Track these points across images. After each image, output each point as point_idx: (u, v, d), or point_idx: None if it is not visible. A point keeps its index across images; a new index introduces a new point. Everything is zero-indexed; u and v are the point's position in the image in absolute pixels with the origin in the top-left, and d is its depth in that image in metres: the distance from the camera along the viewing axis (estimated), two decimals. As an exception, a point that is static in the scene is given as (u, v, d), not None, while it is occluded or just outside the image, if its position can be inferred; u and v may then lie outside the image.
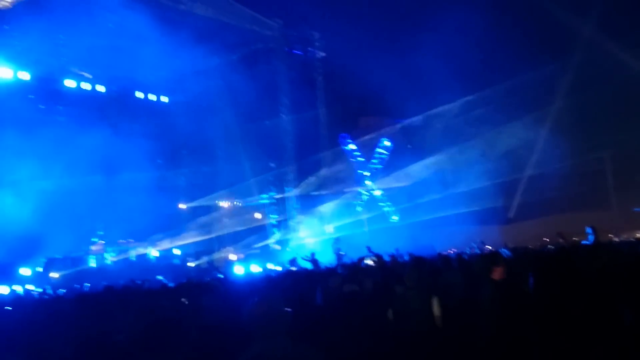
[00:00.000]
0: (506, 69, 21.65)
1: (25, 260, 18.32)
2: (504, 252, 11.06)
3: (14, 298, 12.01)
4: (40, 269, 18.89)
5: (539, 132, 22.92)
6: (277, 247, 25.27)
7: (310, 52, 24.91)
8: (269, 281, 8.83)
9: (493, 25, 20.63)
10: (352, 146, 27.62)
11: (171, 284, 10.99)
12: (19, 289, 14.39)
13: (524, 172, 23.61)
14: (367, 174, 27.71)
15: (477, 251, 14.94)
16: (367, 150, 27.85)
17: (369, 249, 11.98)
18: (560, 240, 11.88)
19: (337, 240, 18.83)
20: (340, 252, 12.89)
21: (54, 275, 18.72)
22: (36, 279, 17.59)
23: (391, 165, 26.93)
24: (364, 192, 27.47)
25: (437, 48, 20.44)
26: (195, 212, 24.66)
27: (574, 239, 12.28)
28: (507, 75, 22.00)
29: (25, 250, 19.03)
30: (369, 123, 27.95)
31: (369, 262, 10.44)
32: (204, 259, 21.60)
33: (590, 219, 12.54)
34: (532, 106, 22.73)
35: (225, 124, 22.08)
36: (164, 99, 23.40)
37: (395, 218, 26.68)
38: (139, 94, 22.57)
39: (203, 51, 19.13)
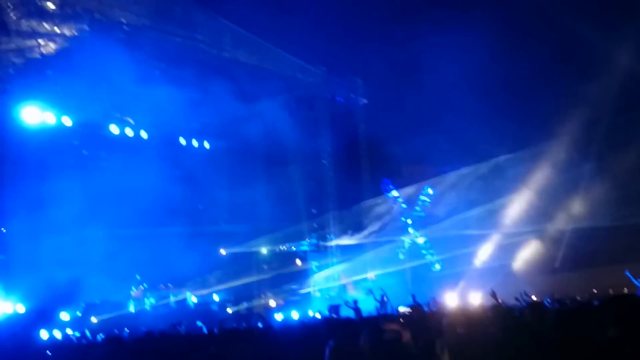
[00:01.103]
0: (555, 122, 21.25)
1: (64, 305, 18.38)
2: (548, 302, 10.57)
3: (53, 343, 12.01)
4: (79, 314, 18.91)
5: (587, 183, 22.31)
6: (318, 294, 24.90)
7: (352, 99, 24.99)
8: (308, 329, 8.58)
9: (541, 75, 20.39)
10: (394, 193, 27.31)
11: (209, 330, 10.82)
12: (58, 333, 14.39)
13: (571, 223, 22.91)
14: (409, 221, 27.29)
15: (522, 302, 14.34)
16: (410, 197, 27.48)
17: (413, 297, 11.62)
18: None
19: (370, 290, 18.38)
20: (384, 300, 12.55)
21: (93, 320, 18.72)
22: (75, 323, 17.59)
23: (434, 213, 26.50)
24: (406, 239, 27.00)
25: (483, 98, 20.26)
26: (235, 258, 24.53)
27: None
28: (555, 128, 21.58)
29: (65, 295, 19.12)
30: (412, 171, 27.66)
31: (407, 310, 10.11)
32: (244, 305, 21.37)
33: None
34: (580, 158, 22.17)
35: (266, 170, 22.09)
36: (206, 145, 23.61)
37: (437, 267, 26.10)
38: (182, 140, 22.80)
39: (246, 98, 19.29)
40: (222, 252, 24.98)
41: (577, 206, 22.62)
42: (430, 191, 27.35)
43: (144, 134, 21.48)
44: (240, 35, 19.51)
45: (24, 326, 15.14)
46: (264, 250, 25.39)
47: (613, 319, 4.95)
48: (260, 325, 10.45)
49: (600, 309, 6.61)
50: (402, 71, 21.17)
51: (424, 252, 26.85)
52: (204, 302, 21.96)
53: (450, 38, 19.27)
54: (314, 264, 25.86)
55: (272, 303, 22.31)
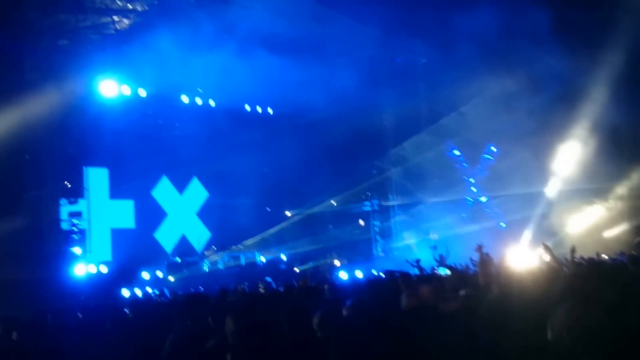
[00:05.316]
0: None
1: (146, 265, 19.59)
2: (621, 259, 10.51)
3: (134, 300, 12.90)
4: (159, 273, 20.10)
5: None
6: (381, 253, 25.37)
7: (411, 59, 24.81)
8: (373, 287, 8.90)
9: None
10: (456, 152, 27.16)
11: (279, 288, 11.44)
12: (139, 292, 15.43)
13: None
14: (472, 180, 27.13)
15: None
16: (473, 156, 27.21)
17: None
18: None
19: (435, 247, 18.69)
20: (443, 256, 12.70)
21: (171, 279, 19.87)
22: (155, 282, 18.73)
23: (498, 171, 26.16)
24: (469, 198, 26.92)
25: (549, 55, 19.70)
26: (301, 219, 25.26)
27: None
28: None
29: (147, 256, 20.40)
30: (473, 130, 27.27)
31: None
32: (310, 265, 22.12)
33: None
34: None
35: (328, 132, 22.47)
36: (270, 110, 24.18)
37: (502, 225, 25.92)
38: (247, 107, 23.46)
39: (304, 62, 19.59)
40: (289, 213, 25.78)
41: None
42: (493, 149, 27.02)
43: (211, 102, 22.28)
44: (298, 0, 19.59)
45: (107, 285, 16.21)
46: (328, 211, 25.96)
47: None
48: (325, 283, 10.91)
49: None
50: (462, 27, 20.73)
51: (487, 210, 26.70)
52: (272, 262, 22.87)
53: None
54: (376, 224, 26.29)
55: (337, 262, 22.93)
